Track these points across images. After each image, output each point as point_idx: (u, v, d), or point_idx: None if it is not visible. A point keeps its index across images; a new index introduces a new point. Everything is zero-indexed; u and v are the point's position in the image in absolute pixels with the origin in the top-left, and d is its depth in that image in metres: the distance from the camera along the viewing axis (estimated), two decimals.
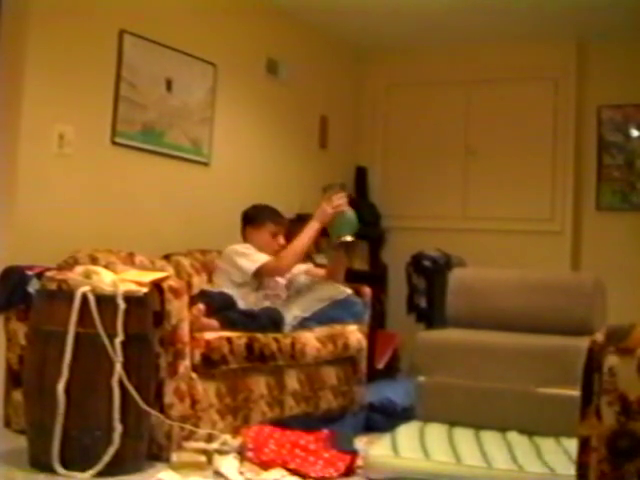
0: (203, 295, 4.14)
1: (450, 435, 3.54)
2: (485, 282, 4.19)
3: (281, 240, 4.61)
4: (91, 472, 3.14)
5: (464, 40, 6.22)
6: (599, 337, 1.94)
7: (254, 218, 4.63)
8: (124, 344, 3.20)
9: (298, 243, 4.44)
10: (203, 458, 3.35)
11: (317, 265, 4.97)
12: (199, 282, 4.53)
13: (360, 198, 6.57)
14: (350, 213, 4.47)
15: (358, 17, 5.86)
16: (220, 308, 4.08)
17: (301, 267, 4.65)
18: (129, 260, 4.01)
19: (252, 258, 4.43)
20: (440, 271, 5.63)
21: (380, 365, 5.69)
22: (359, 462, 3.33)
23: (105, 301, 3.24)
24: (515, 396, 3.43)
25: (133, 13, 4.60)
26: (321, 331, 4.39)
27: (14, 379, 3.76)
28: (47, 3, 4.13)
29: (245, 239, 4.62)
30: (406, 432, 3.58)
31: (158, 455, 3.44)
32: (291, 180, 5.91)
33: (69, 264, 3.75)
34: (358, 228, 4.50)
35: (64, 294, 3.32)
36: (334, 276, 4.60)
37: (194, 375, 3.59)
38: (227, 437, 3.54)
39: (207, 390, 3.66)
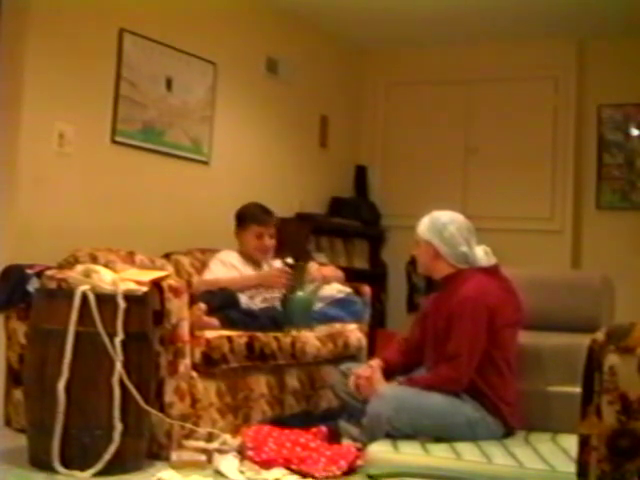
0: (204, 293, 4.14)
1: None
2: None
3: (267, 241, 4.57)
4: (91, 471, 3.15)
5: (464, 40, 6.22)
6: (599, 336, 1.94)
7: (240, 220, 4.62)
8: (124, 343, 3.21)
9: (225, 281, 4.36)
10: (203, 457, 3.36)
11: (319, 264, 4.97)
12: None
13: (360, 197, 6.58)
14: (302, 294, 4.34)
15: (358, 16, 5.86)
16: (221, 307, 4.08)
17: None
18: (129, 259, 4.01)
19: (207, 271, 4.48)
20: None
21: None
22: (360, 460, 3.32)
23: (105, 300, 3.24)
24: (524, 395, 3.43)
25: (133, 12, 4.60)
26: (321, 330, 4.39)
27: (14, 378, 3.76)
28: (47, 2, 4.13)
29: (237, 241, 4.64)
30: None
31: (158, 454, 3.45)
32: (291, 179, 5.91)
33: (69, 263, 3.75)
34: (312, 306, 4.41)
35: (64, 293, 3.32)
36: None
37: (194, 374, 3.59)
38: (227, 436, 3.55)
39: (207, 389, 3.67)
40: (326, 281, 4.59)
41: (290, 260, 4.47)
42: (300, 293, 4.33)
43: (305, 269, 4.44)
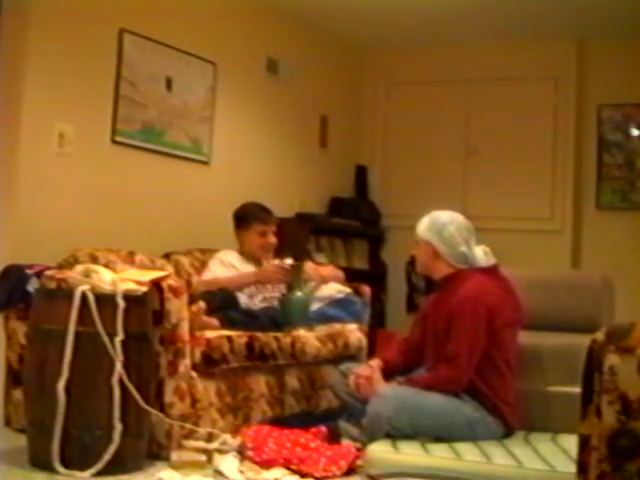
0: (203, 294, 4.14)
1: None
2: None
3: (270, 238, 4.59)
4: (91, 471, 3.15)
5: (464, 39, 6.22)
6: (599, 336, 1.94)
7: (240, 220, 4.62)
8: (124, 343, 3.20)
9: (224, 280, 4.38)
10: (203, 457, 3.35)
11: (317, 264, 4.98)
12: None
13: (360, 197, 6.58)
14: (300, 294, 4.33)
15: (358, 16, 5.86)
16: (221, 307, 4.08)
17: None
18: (129, 259, 4.01)
19: (207, 271, 4.47)
20: None
21: None
22: (360, 460, 3.32)
23: (105, 300, 3.24)
24: (524, 395, 3.43)
25: (133, 12, 4.60)
26: (321, 330, 4.39)
27: (14, 378, 3.76)
28: (47, 3, 4.13)
29: (237, 241, 4.63)
30: None
31: (158, 454, 3.45)
32: (291, 179, 5.91)
33: (69, 263, 3.75)
34: (308, 307, 4.40)
35: (64, 293, 3.32)
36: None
37: (194, 374, 3.60)
38: (227, 436, 3.55)
39: (207, 389, 3.67)
40: (324, 280, 4.58)
41: (289, 260, 4.46)
42: (298, 293, 4.33)
43: (302, 269, 4.43)
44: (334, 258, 6.03)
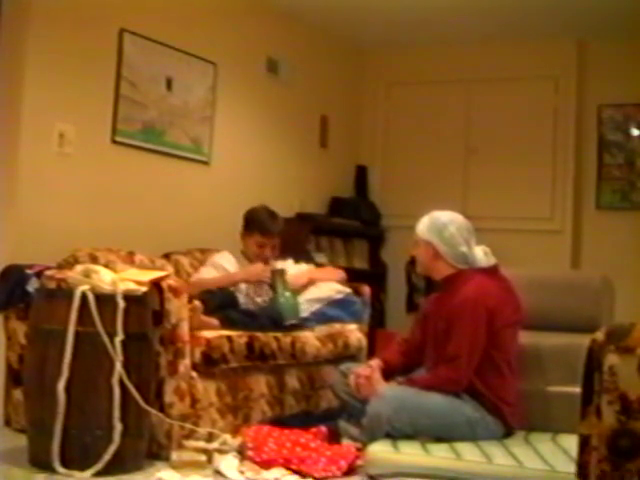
0: (203, 293, 4.14)
1: None
2: None
3: (267, 252, 4.55)
4: (91, 471, 3.15)
5: (464, 39, 6.22)
6: (599, 336, 1.94)
7: (246, 223, 4.60)
8: (124, 343, 3.21)
9: (212, 281, 4.37)
10: (203, 457, 3.35)
11: (317, 265, 4.98)
12: None
13: (360, 197, 6.58)
14: (283, 300, 4.29)
15: (358, 16, 5.86)
16: (220, 306, 4.08)
17: (302, 266, 4.64)
18: (129, 259, 4.01)
19: (198, 273, 4.46)
20: None
21: None
22: (360, 460, 3.32)
23: (105, 300, 3.24)
24: (524, 395, 3.43)
25: (133, 12, 4.60)
26: (321, 330, 4.39)
27: (14, 378, 3.76)
28: (47, 3, 4.13)
29: (241, 241, 4.63)
30: None
31: (158, 454, 3.45)
32: (291, 179, 5.91)
33: (69, 263, 3.75)
34: (298, 312, 4.35)
35: (64, 293, 3.32)
36: None
37: (194, 374, 3.60)
38: (227, 436, 3.55)
39: (207, 389, 3.67)
40: (310, 283, 4.53)
41: (279, 265, 4.45)
42: (280, 299, 4.29)
43: (282, 276, 4.38)
44: (334, 258, 6.03)
